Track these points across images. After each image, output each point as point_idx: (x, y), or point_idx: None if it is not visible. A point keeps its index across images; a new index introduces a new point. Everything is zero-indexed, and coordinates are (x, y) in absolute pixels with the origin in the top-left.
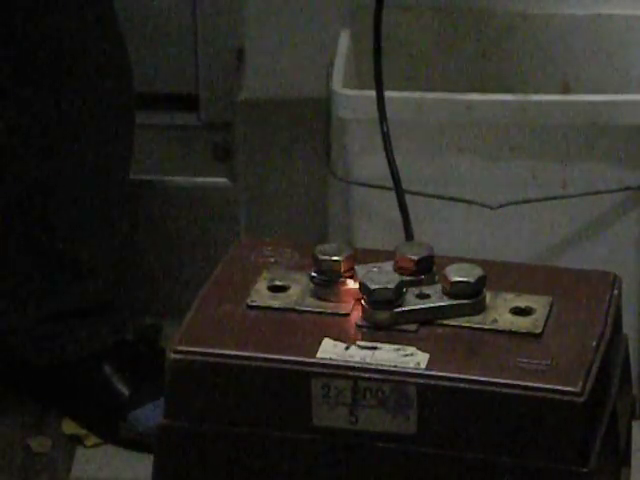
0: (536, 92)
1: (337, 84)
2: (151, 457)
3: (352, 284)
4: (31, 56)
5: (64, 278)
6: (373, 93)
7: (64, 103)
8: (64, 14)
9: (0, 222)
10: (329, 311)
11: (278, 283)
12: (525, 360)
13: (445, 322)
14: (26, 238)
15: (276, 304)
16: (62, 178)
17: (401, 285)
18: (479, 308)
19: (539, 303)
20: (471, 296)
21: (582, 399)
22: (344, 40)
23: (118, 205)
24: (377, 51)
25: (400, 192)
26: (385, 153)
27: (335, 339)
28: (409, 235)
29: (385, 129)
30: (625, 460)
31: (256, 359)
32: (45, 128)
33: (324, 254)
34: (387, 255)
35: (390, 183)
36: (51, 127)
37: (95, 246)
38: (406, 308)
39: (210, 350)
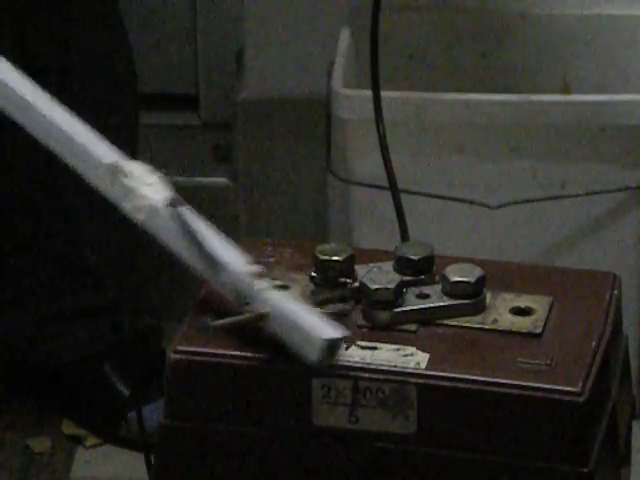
0: (536, 92)
1: (337, 84)
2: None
3: (352, 284)
4: (36, 58)
5: (64, 278)
6: None
7: (69, 105)
8: (70, 16)
9: (1, 222)
10: (329, 311)
11: (278, 283)
12: (525, 360)
13: (445, 322)
14: (26, 239)
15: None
16: (64, 179)
17: (401, 285)
18: (479, 308)
19: (539, 303)
20: (471, 296)
21: (582, 399)
22: (344, 39)
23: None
24: (374, 52)
25: (396, 192)
26: (381, 154)
27: None
28: (405, 235)
29: (381, 130)
30: (625, 460)
31: (256, 359)
32: None
33: (324, 254)
34: (387, 255)
35: None
36: None
37: (95, 247)
38: (406, 308)
39: (210, 350)
